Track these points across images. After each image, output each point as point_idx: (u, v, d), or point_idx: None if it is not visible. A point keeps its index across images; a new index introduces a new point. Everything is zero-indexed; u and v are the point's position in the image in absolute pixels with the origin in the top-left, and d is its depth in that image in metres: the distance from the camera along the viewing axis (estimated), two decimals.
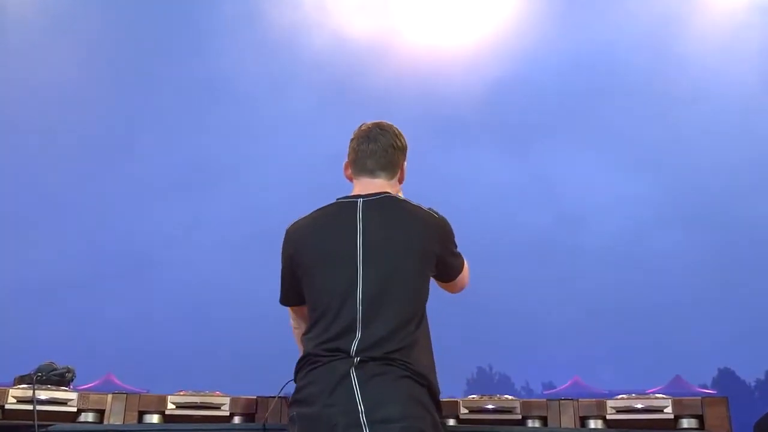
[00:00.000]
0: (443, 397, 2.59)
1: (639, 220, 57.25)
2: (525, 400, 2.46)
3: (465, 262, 2.09)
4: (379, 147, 2.00)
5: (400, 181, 2.06)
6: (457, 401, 2.46)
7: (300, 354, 1.93)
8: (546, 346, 50.69)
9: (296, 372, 1.87)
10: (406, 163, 2.09)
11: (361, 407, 1.66)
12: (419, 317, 1.87)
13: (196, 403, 2.51)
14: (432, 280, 2.00)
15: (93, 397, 2.51)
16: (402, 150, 2.07)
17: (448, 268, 2.00)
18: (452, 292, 2.13)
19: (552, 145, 56.34)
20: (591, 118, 55.18)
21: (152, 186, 50.45)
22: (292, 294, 2.01)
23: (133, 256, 49.62)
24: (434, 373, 1.88)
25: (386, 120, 2.09)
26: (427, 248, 1.90)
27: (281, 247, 2.01)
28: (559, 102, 53.93)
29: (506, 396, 2.49)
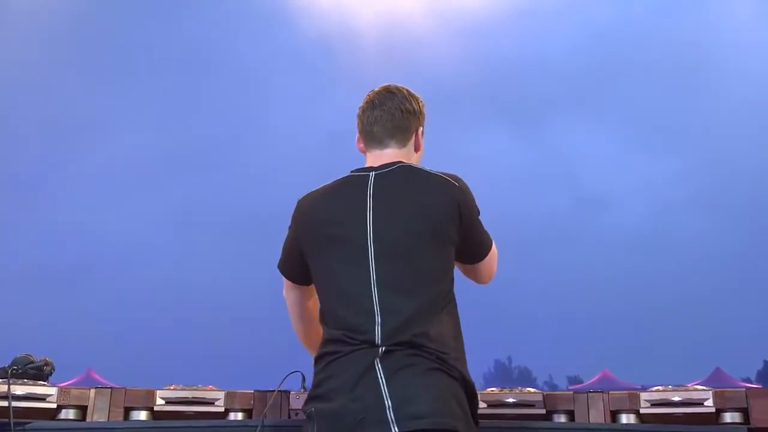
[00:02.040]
0: None
1: (666, 203, 57.11)
2: (549, 393, 2.46)
3: (494, 243, 2.02)
4: (385, 112, 1.98)
5: (417, 149, 2.03)
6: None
7: (302, 340, 1.94)
8: (571, 337, 50.87)
9: (315, 362, 1.85)
10: (422, 129, 2.05)
11: (388, 402, 1.64)
12: (445, 299, 1.84)
13: (188, 398, 2.53)
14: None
15: (74, 392, 2.52)
16: (414, 114, 2.01)
17: (472, 244, 1.95)
18: (479, 281, 2.07)
19: (570, 124, 56.23)
20: (612, 94, 54.96)
21: (136, 172, 50.59)
22: (291, 268, 2.03)
23: (117, 246, 49.88)
24: (466, 363, 1.86)
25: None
26: (444, 220, 1.83)
27: (291, 219, 2.01)
28: (577, 77, 53.73)
29: (528, 389, 2.50)
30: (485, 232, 1.98)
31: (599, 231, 56.45)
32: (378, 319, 1.74)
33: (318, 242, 1.89)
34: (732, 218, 54.31)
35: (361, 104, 2.02)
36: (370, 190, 1.86)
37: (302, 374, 2.38)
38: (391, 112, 1.98)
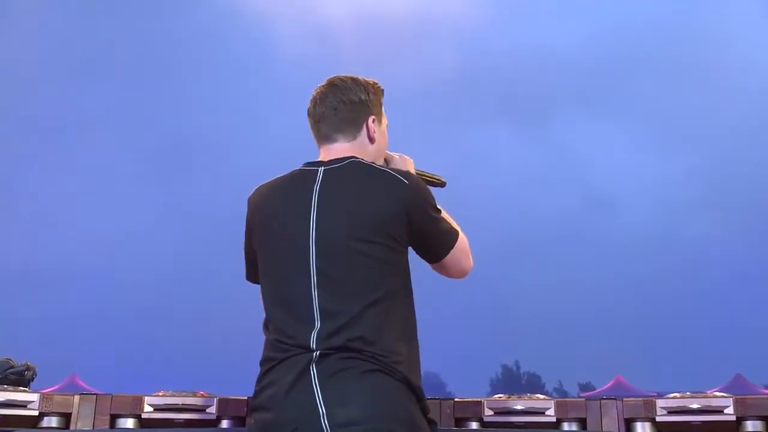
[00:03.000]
0: (463, 397, 2.60)
1: (677, 203, 57.14)
2: (560, 399, 2.46)
3: (460, 236, 1.99)
4: (327, 107, 1.98)
5: (372, 140, 2.00)
6: (480, 401, 2.47)
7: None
8: (582, 342, 50.86)
9: (260, 370, 1.83)
10: (374, 117, 2.00)
11: (322, 409, 1.64)
12: (389, 300, 1.81)
13: (178, 404, 2.53)
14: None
15: (57, 398, 2.53)
16: (362, 103, 1.98)
17: (428, 242, 1.93)
18: (449, 276, 2.04)
19: (576, 121, 56.26)
20: (621, 91, 54.97)
21: (121, 170, 50.70)
22: (254, 269, 2.00)
23: (102, 246, 49.96)
24: (414, 365, 1.83)
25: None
26: (389, 219, 1.82)
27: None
28: (584, 73, 53.72)
29: (538, 395, 2.50)
30: (446, 227, 1.96)
31: (608, 232, 56.54)
32: (316, 323, 1.73)
33: (262, 240, 1.89)
34: (748, 219, 54.36)
35: (309, 101, 2.03)
36: (316, 187, 1.86)
37: None
38: (334, 107, 1.97)
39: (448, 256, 1.97)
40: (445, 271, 2.02)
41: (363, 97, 1.99)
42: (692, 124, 54.96)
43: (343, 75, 2.03)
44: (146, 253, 50.79)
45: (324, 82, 2.03)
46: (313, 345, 1.71)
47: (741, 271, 50.94)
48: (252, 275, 2.03)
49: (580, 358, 48.67)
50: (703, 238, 54.58)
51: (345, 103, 1.97)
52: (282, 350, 1.75)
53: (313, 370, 1.68)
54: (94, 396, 2.53)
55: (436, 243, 1.95)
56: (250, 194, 1.99)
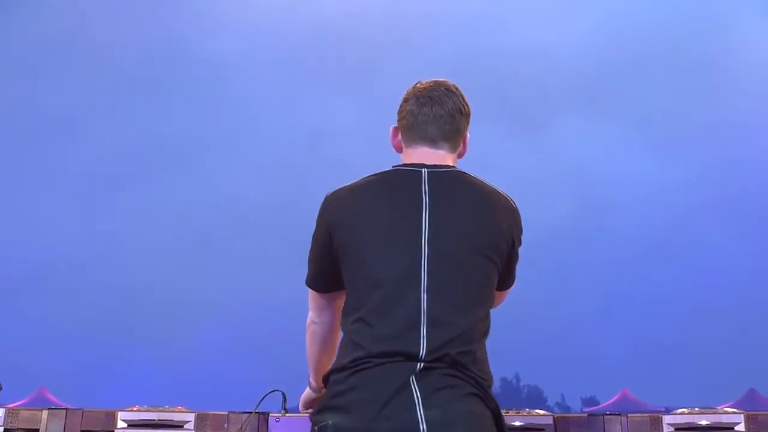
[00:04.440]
0: None
1: (682, 208, 57.54)
2: (561, 415, 2.48)
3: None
4: (445, 111, 1.95)
5: (461, 155, 2.03)
6: None
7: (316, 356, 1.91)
8: (586, 354, 51.05)
9: (333, 371, 1.78)
10: (468, 134, 2.04)
11: (423, 426, 1.61)
12: (486, 323, 1.84)
13: (154, 420, 2.53)
14: None
15: (24, 413, 2.53)
16: (468, 117, 2.01)
17: (510, 271, 1.97)
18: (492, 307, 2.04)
19: (574, 123, 56.54)
20: (621, 92, 55.26)
21: (101, 171, 50.66)
22: (323, 277, 1.94)
23: (74, 252, 49.82)
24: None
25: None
26: (502, 240, 1.84)
27: (316, 218, 1.93)
28: (585, 73, 54.02)
29: (537, 411, 2.51)
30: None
31: (609, 237, 56.82)
32: (423, 329, 1.70)
33: (359, 239, 1.83)
34: (754, 225, 54.76)
35: (411, 97, 1.98)
36: (425, 186, 1.84)
37: (283, 394, 2.34)
38: (452, 114, 1.96)
39: (509, 289, 2.03)
40: (498, 300, 2.03)
41: (469, 110, 2.01)
42: (695, 128, 55.41)
43: (449, 81, 2.02)
44: (121, 260, 50.69)
45: (433, 83, 2.00)
46: (420, 354, 1.68)
47: (752, 280, 51.26)
48: (317, 281, 1.96)
49: (584, 371, 48.86)
50: (710, 245, 54.92)
51: (462, 113, 1.98)
52: (377, 354, 1.70)
53: (414, 384, 1.66)
54: (64, 411, 2.53)
55: (512, 273, 1.98)
56: (328, 195, 1.92)
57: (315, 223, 1.94)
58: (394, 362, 1.68)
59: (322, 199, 1.93)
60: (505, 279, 1.95)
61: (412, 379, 1.66)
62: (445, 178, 1.87)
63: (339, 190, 1.92)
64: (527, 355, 50.82)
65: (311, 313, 2.02)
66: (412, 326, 1.71)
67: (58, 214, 50.21)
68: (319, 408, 1.77)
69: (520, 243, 1.93)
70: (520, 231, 1.92)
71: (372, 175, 1.91)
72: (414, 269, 1.75)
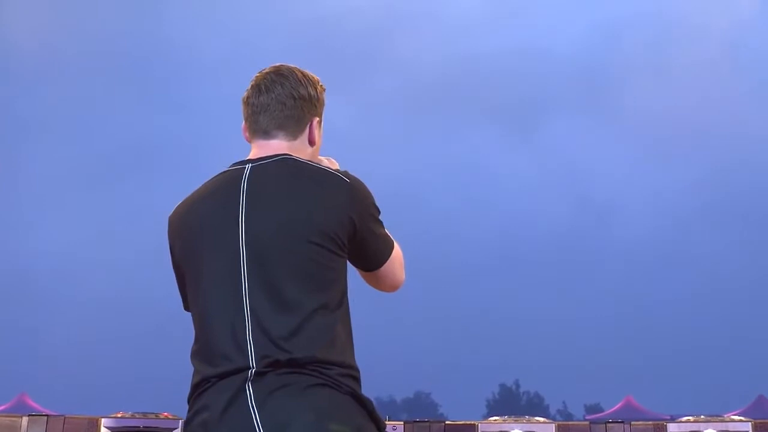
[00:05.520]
0: (456, 419, 2.61)
1: (681, 214, 57.68)
2: (562, 423, 2.49)
3: (395, 246, 2.00)
4: (273, 99, 1.93)
5: (312, 143, 1.98)
6: (474, 424, 2.50)
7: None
8: (590, 359, 51.12)
9: (189, 395, 1.79)
10: (319, 120, 2.01)
11: (259, 430, 1.61)
12: (331, 310, 1.80)
13: (139, 427, 2.54)
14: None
15: (4, 420, 2.53)
16: (310, 101, 1.96)
17: (366, 250, 1.92)
18: (382, 290, 2.05)
19: (572, 127, 56.69)
20: (619, 96, 55.44)
21: (75, 177, 50.60)
22: (185, 297, 1.95)
23: (54, 257, 49.78)
24: (358, 382, 1.83)
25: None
26: (332, 221, 1.81)
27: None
28: (581, 76, 54.20)
29: (537, 418, 2.52)
30: (385, 235, 1.96)
31: (613, 241, 56.97)
32: (249, 338, 1.72)
33: (187, 255, 1.86)
34: (757, 230, 54.96)
35: (248, 88, 1.98)
36: (243, 185, 1.84)
37: None
38: (281, 100, 1.93)
39: (383, 266, 1.97)
40: (378, 281, 2.01)
41: (312, 94, 1.96)
42: (695, 131, 55.62)
43: (291, 65, 1.99)
44: (101, 264, 50.62)
45: (269, 69, 1.99)
46: (250, 362, 1.68)
47: (759, 286, 51.39)
48: (185, 302, 1.96)
49: (587, 377, 48.97)
50: (716, 249, 55.10)
51: (294, 98, 1.94)
52: (215, 371, 1.72)
53: (249, 389, 1.66)
54: (45, 417, 2.54)
55: (373, 252, 1.94)
56: (169, 215, 1.94)
57: None
58: (229, 375, 1.70)
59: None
60: (363, 257, 1.93)
61: (248, 385, 1.67)
62: (268, 169, 1.86)
63: (177, 207, 1.94)
64: (527, 361, 50.93)
65: None
66: (240, 337, 1.72)
67: (39, 220, 50.16)
68: None
69: (368, 217, 1.88)
70: (361, 206, 1.86)
71: (206, 182, 1.93)
72: (235, 277, 1.77)
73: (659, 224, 58.58)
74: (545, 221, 56.10)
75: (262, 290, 1.75)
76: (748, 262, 53.91)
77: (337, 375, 1.72)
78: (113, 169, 53.36)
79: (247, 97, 1.96)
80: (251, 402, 1.64)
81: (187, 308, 1.95)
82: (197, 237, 1.85)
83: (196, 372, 1.78)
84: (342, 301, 1.85)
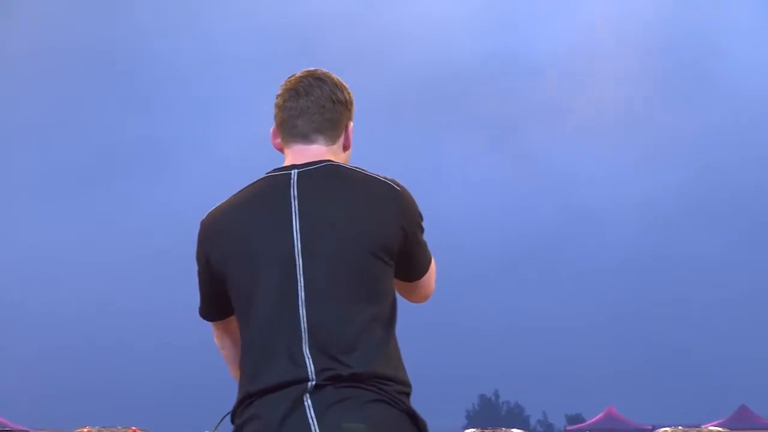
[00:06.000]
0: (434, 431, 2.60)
1: (665, 220, 58.26)
2: None
3: (432, 259, 2.02)
4: (313, 103, 1.93)
5: (346, 148, 2.00)
6: None
7: (235, 379, 1.88)
8: (570, 369, 51.29)
9: (235, 407, 1.77)
10: (352, 124, 2.02)
11: None
12: (386, 321, 1.82)
13: None
14: None
15: None
16: (346, 105, 1.97)
17: (412, 260, 1.93)
18: (414, 300, 2.07)
19: (553, 132, 57.15)
20: (602, 101, 55.98)
21: (49, 180, 50.29)
22: (213, 306, 1.94)
23: (23, 264, 49.28)
24: (410, 395, 1.85)
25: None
26: (386, 231, 1.82)
27: (196, 245, 1.93)
28: (562, 82, 54.58)
29: (514, 430, 2.51)
30: (426, 243, 1.96)
31: (595, 248, 57.37)
32: (305, 351, 1.73)
33: (232, 263, 1.84)
34: (746, 234, 55.56)
35: (280, 92, 1.96)
36: (293, 191, 1.84)
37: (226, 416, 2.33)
38: (321, 103, 1.93)
39: (424, 277, 1.97)
40: (413, 292, 2.01)
41: (348, 98, 1.97)
42: (679, 137, 56.26)
43: (322, 69, 1.98)
44: (71, 275, 50.19)
45: (303, 73, 1.98)
46: (308, 374, 1.68)
47: (741, 295, 51.90)
48: (209, 311, 1.95)
49: (568, 387, 49.10)
50: (698, 256, 55.57)
51: (333, 102, 1.94)
52: (269, 380, 1.71)
53: (308, 401, 1.67)
54: None
55: (418, 261, 1.94)
56: (203, 218, 1.90)
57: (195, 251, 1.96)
58: (286, 386, 1.70)
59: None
60: (408, 268, 1.93)
61: (306, 397, 1.68)
62: (316, 176, 1.87)
63: (211, 212, 1.93)
64: (507, 371, 51.01)
65: (215, 339, 2.04)
66: (297, 346, 1.74)
67: (4, 229, 49.67)
68: None
69: (416, 226, 1.91)
70: (410, 215, 1.89)
71: (242, 190, 1.91)
72: (291, 285, 1.77)
73: (644, 229, 59.02)
74: (526, 228, 56.40)
75: (318, 302, 1.75)
76: (732, 267, 54.42)
77: (394, 392, 1.73)
78: (84, 175, 52.93)
79: (283, 101, 1.94)
80: (310, 413, 1.65)
81: (205, 314, 1.95)
82: (243, 244, 1.84)
83: (244, 383, 1.78)
84: (394, 312, 1.87)
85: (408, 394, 1.78)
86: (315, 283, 1.77)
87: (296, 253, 1.78)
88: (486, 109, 56.71)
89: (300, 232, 1.80)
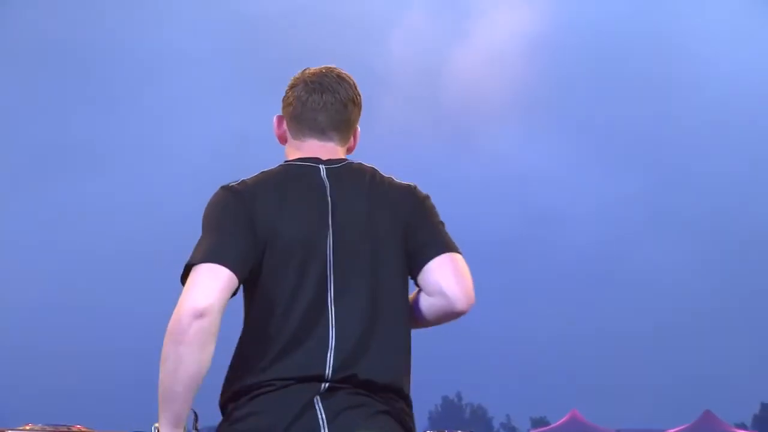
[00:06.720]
0: None
1: (628, 224, 59.12)
2: None
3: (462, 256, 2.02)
4: (336, 99, 1.93)
5: (351, 149, 2.04)
6: None
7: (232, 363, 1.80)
8: (535, 372, 51.80)
9: (230, 398, 1.73)
10: (359, 127, 2.06)
11: None
12: (406, 326, 1.85)
13: None
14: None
15: None
16: (360, 108, 2.00)
17: (435, 235, 1.95)
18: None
19: (517, 133, 57.72)
20: (566, 103, 56.75)
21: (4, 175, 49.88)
22: (241, 256, 1.73)
23: None
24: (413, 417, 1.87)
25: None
26: (411, 237, 1.86)
27: (217, 204, 1.81)
28: (526, 81, 55.24)
29: None
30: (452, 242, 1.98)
31: (559, 251, 58.10)
32: (330, 349, 1.71)
33: (269, 240, 1.78)
34: (708, 241, 56.53)
35: (300, 83, 1.96)
36: (326, 187, 1.84)
37: (195, 413, 2.30)
38: (343, 101, 1.94)
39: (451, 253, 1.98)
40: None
41: (361, 101, 2.00)
42: (641, 141, 57.17)
43: (340, 68, 2.01)
44: (21, 268, 49.77)
45: (324, 69, 1.97)
46: (327, 374, 1.70)
47: (707, 296, 52.79)
48: (235, 260, 1.71)
49: (532, 389, 49.57)
50: (662, 261, 56.49)
51: (353, 102, 1.96)
52: (281, 376, 1.70)
53: (319, 404, 1.68)
54: None
55: (440, 238, 1.96)
56: (235, 184, 1.83)
57: (218, 208, 1.82)
58: (298, 384, 1.69)
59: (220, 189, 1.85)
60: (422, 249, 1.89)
61: (317, 399, 1.68)
62: (344, 174, 1.89)
63: (251, 182, 1.85)
64: (470, 371, 51.39)
65: (200, 301, 1.67)
66: (319, 346, 1.72)
67: None
68: None
69: (430, 212, 1.94)
70: (425, 206, 1.93)
71: (273, 171, 1.88)
72: (321, 280, 1.77)
73: (604, 234, 59.81)
74: (487, 230, 56.84)
75: (347, 298, 1.76)
76: (697, 272, 55.31)
77: (401, 410, 1.77)
78: (37, 170, 52.52)
79: (307, 94, 1.93)
80: (321, 416, 1.66)
81: (227, 259, 1.71)
82: (280, 225, 1.79)
83: (252, 372, 1.73)
84: (410, 316, 1.88)
85: (412, 416, 1.83)
86: (343, 283, 1.78)
87: (328, 250, 1.78)
88: (448, 109, 57.21)
89: (333, 228, 1.81)
